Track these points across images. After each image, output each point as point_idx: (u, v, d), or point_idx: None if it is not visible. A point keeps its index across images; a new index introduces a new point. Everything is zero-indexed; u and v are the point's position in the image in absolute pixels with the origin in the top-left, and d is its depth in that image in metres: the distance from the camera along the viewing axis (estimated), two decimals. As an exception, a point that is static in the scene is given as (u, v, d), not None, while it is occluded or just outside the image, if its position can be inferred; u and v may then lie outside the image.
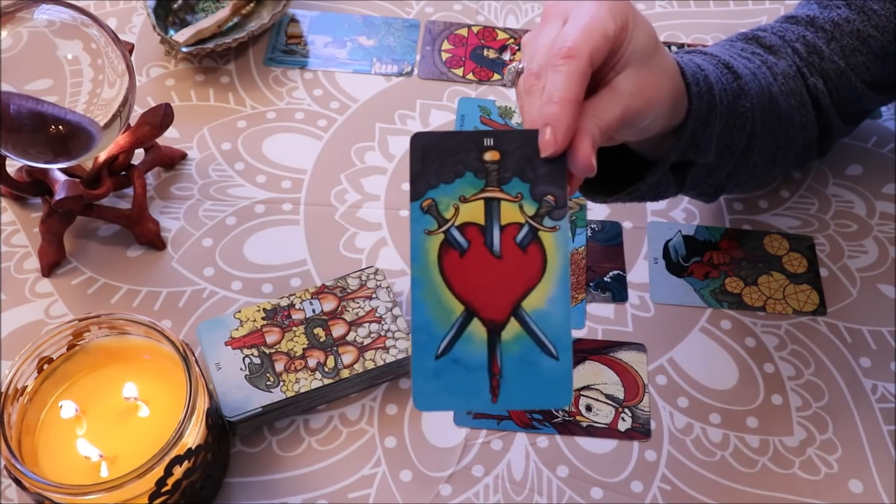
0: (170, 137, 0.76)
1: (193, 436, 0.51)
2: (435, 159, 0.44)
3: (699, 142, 0.56)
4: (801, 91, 0.65)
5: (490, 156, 0.44)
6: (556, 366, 0.43)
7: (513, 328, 0.43)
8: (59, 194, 0.63)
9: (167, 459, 0.49)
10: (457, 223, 0.44)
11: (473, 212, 0.44)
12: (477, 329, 0.43)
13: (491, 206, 0.44)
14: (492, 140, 0.44)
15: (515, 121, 0.79)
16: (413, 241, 0.44)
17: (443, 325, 0.43)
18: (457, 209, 0.44)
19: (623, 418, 0.62)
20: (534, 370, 0.43)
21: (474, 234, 0.44)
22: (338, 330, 0.62)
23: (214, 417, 0.55)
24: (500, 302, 0.43)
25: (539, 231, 0.44)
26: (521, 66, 0.48)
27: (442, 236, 0.44)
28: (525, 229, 0.44)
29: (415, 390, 0.43)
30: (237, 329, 0.62)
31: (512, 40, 0.85)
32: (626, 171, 0.59)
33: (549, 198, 0.44)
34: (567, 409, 0.62)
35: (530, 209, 0.44)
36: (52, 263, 0.68)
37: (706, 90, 0.55)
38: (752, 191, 0.75)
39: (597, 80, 0.47)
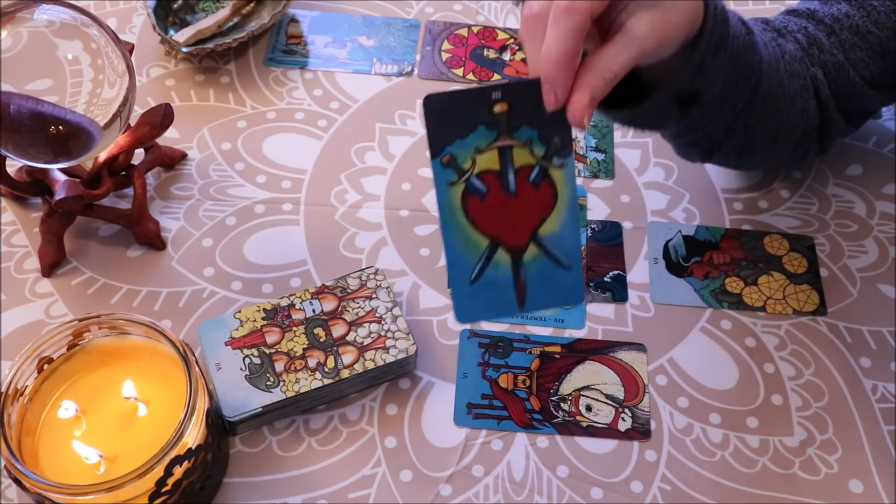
0: (170, 137, 0.76)
1: (193, 436, 0.51)
2: (448, 118, 0.47)
3: (707, 69, 0.55)
4: (805, 75, 0.66)
5: (499, 108, 0.47)
6: (570, 275, 0.50)
7: (532, 251, 0.50)
8: (59, 194, 0.63)
9: (167, 459, 0.49)
10: (475, 172, 0.48)
11: (489, 160, 0.48)
12: (502, 256, 0.50)
13: (504, 154, 0.48)
14: (500, 93, 0.47)
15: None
16: (438, 193, 0.48)
17: (473, 258, 0.50)
18: (474, 160, 0.48)
19: (623, 418, 0.62)
20: (551, 280, 0.50)
21: (492, 179, 0.48)
22: (338, 330, 0.62)
23: (214, 417, 0.55)
24: (519, 232, 0.50)
25: (549, 169, 0.48)
26: None
27: (463, 185, 0.48)
28: (536, 170, 0.48)
29: (456, 309, 0.51)
30: (237, 329, 0.62)
31: (512, 40, 0.85)
32: (630, 100, 0.58)
33: (556, 139, 0.48)
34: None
35: (539, 151, 0.48)
36: (52, 263, 0.68)
37: (722, 20, 0.54)
38: (750, 169, 0.76)
39: (608, 22, 0.49)
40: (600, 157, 0.77)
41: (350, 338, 0.62)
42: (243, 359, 0.60)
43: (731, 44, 0.56)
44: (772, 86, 0.62)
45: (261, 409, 0.59)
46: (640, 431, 0.62)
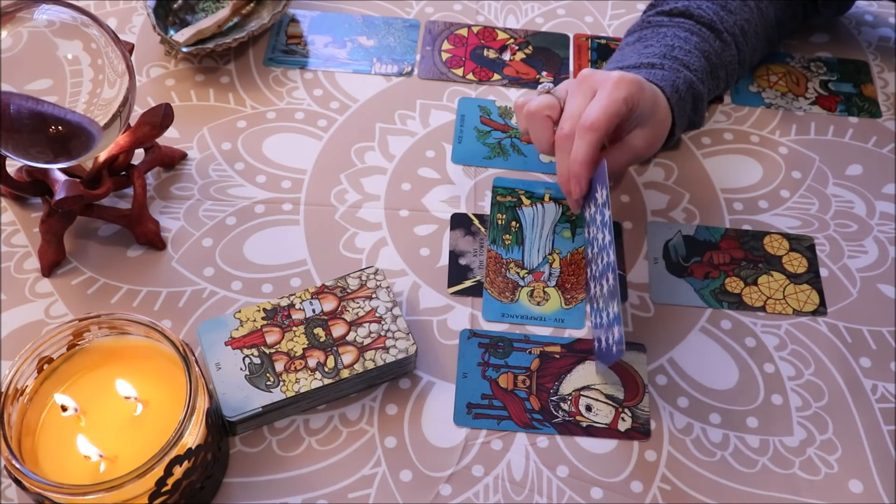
0: (170, 137, 0.76)
1: (193, 436, 0.51)
2: None
3: (694, 121, 0.74)
4: None
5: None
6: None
7: None
8: (59, 194, 0.63)
9: (167, 459, 0.49)
10: None
11: None
12: None
13: None
14: None
15: (515, 120, 0.79)
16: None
17: None
18: None
19: (623, 418, 0.62)
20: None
21: None
22: (338, 330, 0.62)
23: (214, 417, 0.55)
24: None
25: None
26: (548, 86, 0.68)
27: None
28: None
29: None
30: (237, 329, 0.62)
31: (512, 40, 0.85)
32: None
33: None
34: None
35: None
36: (52, 263, 0.68)
37: (690, 101, 0.71)
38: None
39: (614, 136, 0.67)
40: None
41: (350, 338, 0.62)
42: (243, 359, 0.60)
43: (705, 94, 0.72)
44: (761, 46, 0.79)
45: (261, 409, 0.59)
46: (640, 431, 0.62)
